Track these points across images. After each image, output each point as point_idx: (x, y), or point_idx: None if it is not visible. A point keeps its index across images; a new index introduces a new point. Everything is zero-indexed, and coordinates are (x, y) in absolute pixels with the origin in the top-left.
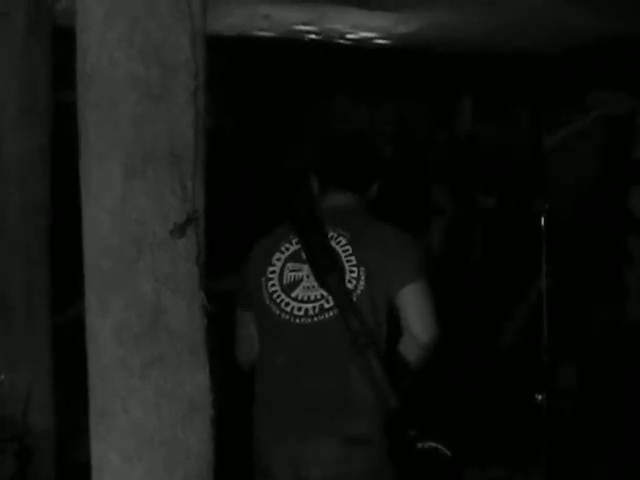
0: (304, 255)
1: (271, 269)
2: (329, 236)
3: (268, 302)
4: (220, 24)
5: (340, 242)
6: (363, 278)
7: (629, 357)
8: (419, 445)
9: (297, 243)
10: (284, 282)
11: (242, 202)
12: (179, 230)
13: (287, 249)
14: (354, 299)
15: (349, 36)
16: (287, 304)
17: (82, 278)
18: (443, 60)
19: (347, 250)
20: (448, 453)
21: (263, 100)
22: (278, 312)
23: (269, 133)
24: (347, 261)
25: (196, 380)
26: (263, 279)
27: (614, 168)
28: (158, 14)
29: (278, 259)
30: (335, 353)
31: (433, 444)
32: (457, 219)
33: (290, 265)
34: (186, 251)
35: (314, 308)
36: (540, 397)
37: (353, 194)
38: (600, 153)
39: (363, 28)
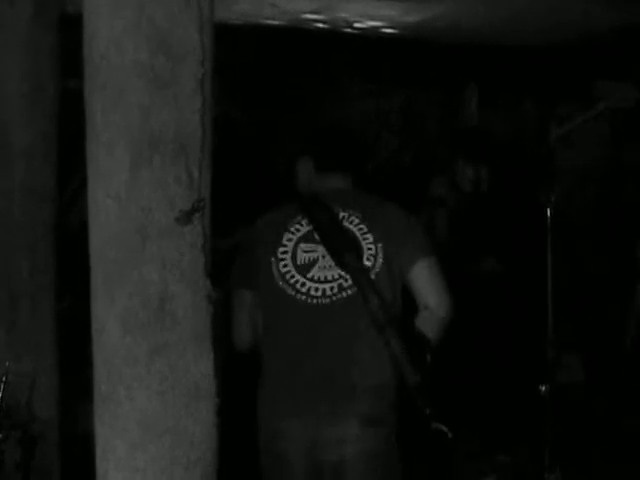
0: (317, 236)
1: (282, 249)
2: (341, 216)
3: (281, 283)
4: (227, 12)
5: (353, 222)
6: (381, 255)
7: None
8: (432, 425)
9: (308, 224)
10: (298, 263)
11: (249, 190)
12: (185, 218)
13: (298, 230)
14: (373, 277)
15: (357, 25)
16: (303, 284)
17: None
18: (450, 50)
19: (362, 229)
20: (450, 435)
21: (270, 88)
22: (293, 293)
23: (276, 122)
24: (364, 239)
25: (201, 368)
26: (273, 259)
27: (620, 160)
28: (165, 2)
29: (289, 239)
30: (354, 332)
31: (443, 426)
32: (460, 209)
33: (303, 246)
34: (192, 239)
35: (332, 288)
36: (544, 389)
37: (349, 175)
38: (607, 145)
39: (371, 17)
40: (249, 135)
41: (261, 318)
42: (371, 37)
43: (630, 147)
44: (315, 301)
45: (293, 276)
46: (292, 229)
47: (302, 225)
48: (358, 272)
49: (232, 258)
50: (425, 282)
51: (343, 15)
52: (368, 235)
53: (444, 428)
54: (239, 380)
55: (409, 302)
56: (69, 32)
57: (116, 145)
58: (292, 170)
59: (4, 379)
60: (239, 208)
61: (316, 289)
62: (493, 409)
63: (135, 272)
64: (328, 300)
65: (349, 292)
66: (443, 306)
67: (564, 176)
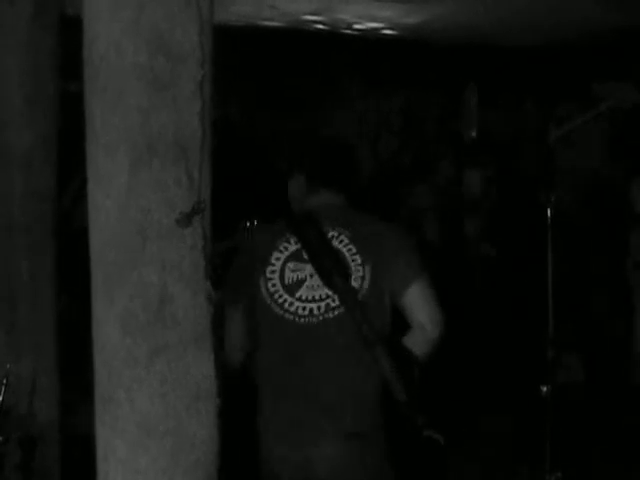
0: (305, 255)
1: (271, 269)
2: (330, 235)
3: (269, 302)
4: (227, 14)
5: (342, 241)
6: (368, 277)
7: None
8: (424, 433)
9: (296, 242)
10: (286, 282)
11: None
12: (185, 220)
13: (286, 248)
14: (360, 298)
15: (356, 26)
16: (291, 304)
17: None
18: (450, 51)
19: (351, 249)
20: (442, 441)
21: (269, 90)
22: (281, 312)
23: (274, 123)
24: (352, 260)
25: (201, 369)
26: (262, 278)
27: (620, 160)
28: (165, 3)
29: (277, 259)
30: (341, 351)
31: (433, 433)
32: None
33: (291, 265)
34: (192, 241)
35: (319, 308)
36: (545, 389)
37: (340, 191)
38: (606, 145)
39: (370, 19)
40: (249, 137)
41: (251, 334)
42: (371, 38)
43: (630, 147)
44: (303, 320)
45: (281, 295)
46: (281, 247)
47: (290, 244)
48: (345, 293)
49: (229, 260)
50: (419, 304)
51: (343, 17)
52: (357, 256)
53: (436, 435)
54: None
55: (397, 319)
56: (69, 34)
57: (116, 147)
58: (284, 187)
59: (4, 380)
60: (238, 210)
61: (304, 308)
62: (493, 409)
63: (135, 273)
64: (315, 319)
65: (336, 312)
66: (437, 327)
67: (564, 176)
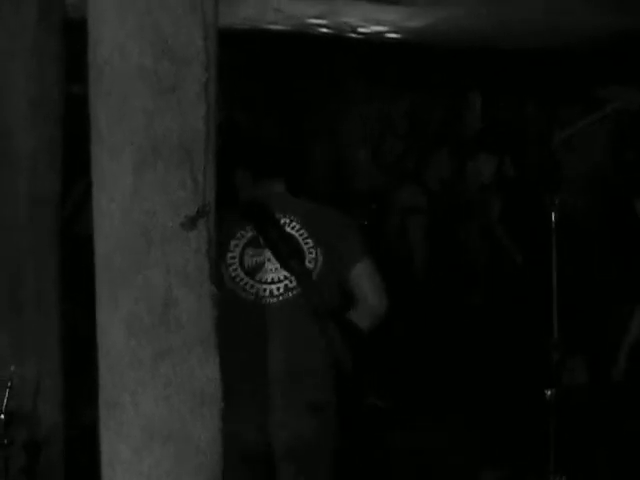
0: (262, 241)
1: (231, 255)
2: (282, 222)
3: (231, 286)
4: (231, 17)
5: (295, 227)
6: (321, 259)
7: None
8: (368, 400)
9: (252, 230)
10: (246, 266)
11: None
12: (190, 223)
13: (242, 236)
14: (315, 278)
15: (361, 30)
16: (252, 286)
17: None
18: (454, 55)
19: (303, 234)
20: (383, 406)
21: (274, 93)
22: (244, 294)
23: (280, 126)
24: (305, 244)
25: (206, 372)
26: (223, 265)
27: (626, 163)
28: (169, 7)
29: (236, 245)
30: (300, 327)
31: (374, 399)
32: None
33: (250, 251)
34: (197, 244)
35: (278, 288)
36: (549, 393)
37: (284, 182)
38: (611, 148)
39: (375, 22)
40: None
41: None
42: (375, 42)
43: (634, 150)
44: (264, 301)
45: (242, 279)
46: (238, 235)
47: (246, 231)
48: (302, 274)
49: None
50: (364, 282)
51: (347, 20)
52: (308, 240)
53: (378, 401)
54: None
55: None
56: (73, 37)
57: (120, 150)
58: (231, 181)
59: (9, 383)
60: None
61: (264, 290)
62: (497, 412)
63: (140, 277)
64: (275, 299)
65: (294, 292)
66: (382, 304)
67: (568, 179)
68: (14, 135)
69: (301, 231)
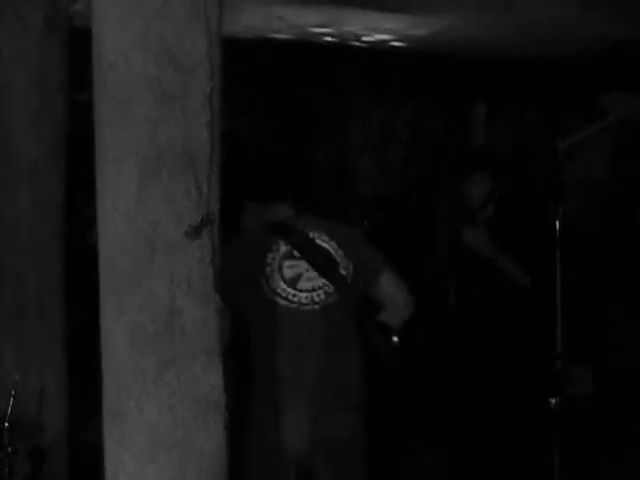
0: (296, 253)
1: (269, 269)
2: (311, 236)
3: (273, 297)
4: (235, 26)
5: (324, 240)
6: (351, 268)
7: None
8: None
9: (285, 244)
10: (285, 277)
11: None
12: (194, 232)
13: (278, 249)
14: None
15: (364, 38)
16: (294, 295)
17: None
18: (457, 64)
19: (333, 245)
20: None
21: (277, 102)
22: (286, 303)
23: (284, 135)
24: (336, 254)
25: (210, 381)
26: (263, 278)
27: (629, 172)
28: (173, 15)
29: (273, 258)
30: (340, 330)
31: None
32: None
33: (287, 262)
34: (201, 253)
35: (319, 295)
36: (554, 402)
37: (286, 205)
38: (615, 157)
39: (379, 30)
40: (257, 149)
41: (251, 331)
42: (379, 50)
43: (637, 159)
44: (305, 308)
45: (284, 290)
46: (273, 249)
47: (280, 245)
48: (338, 281)
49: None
50: (392, 289)
51: (351, 29)
52: (340, 250)
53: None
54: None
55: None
56: (78, 45)
57: (124, 159)
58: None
59: (12, 391)
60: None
61: (306, 297)
62: (501, 422)
63: (144, 286)
64: (317, 306)
65: (333, 298)
66: (410, 305)
67: (572, 189)
68: (17, 140)
69: (331, 242)
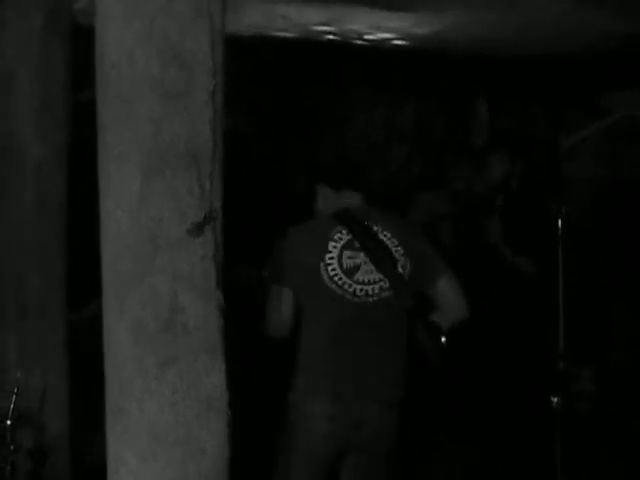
0: (357, 244)
1: (329, 255)
2: (374, 229)
3: (330, 284)
4: (238, 24)
5: (386, 235)
6: (409, 266)
7: None
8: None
9: (347, 234)
10: (344, 267)
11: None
12: (196, 229)
13: (340, 238)
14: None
15: (367, 37)
16: (350, 285)
17: (99, 277)
18: (460, 62)
19: (393, 242)
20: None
21: (281, 100)
22: (342, 293)
23: (286, 133)
24: (395, 251)
25: (212, 379)
26: (322, 264)
27: (632, 170)
28: (177, 14)
29: (334, 247)
30: (391, 326)
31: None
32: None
33: (347, 252)
34: (203, 250)
35: (374, 289)
36: (556, 400)
37: (358, 194)
38: (618, 155)
39: (382, 29)
40: (259, 147)
41: (303, 315)
42: (381, 49)
43: None
44: (360, 300)
45: (341, 278)
46: (335, 237)
47: (343, 234)
48: (394, 277)
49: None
50: (449, 294)
51: (353, 27)
52: (398, 248)
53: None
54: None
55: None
56: (81, 43)
57: (127, 156)
58: (311, 193)
59: (15, 390)
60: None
61: (361, 290)
62: (503, 420)
63: (146, 283)
64: (371, 299)
65: (387, 293)
66: (465, 310)
67: (575, 187)
68: (21, 140)
69: (392, 239)
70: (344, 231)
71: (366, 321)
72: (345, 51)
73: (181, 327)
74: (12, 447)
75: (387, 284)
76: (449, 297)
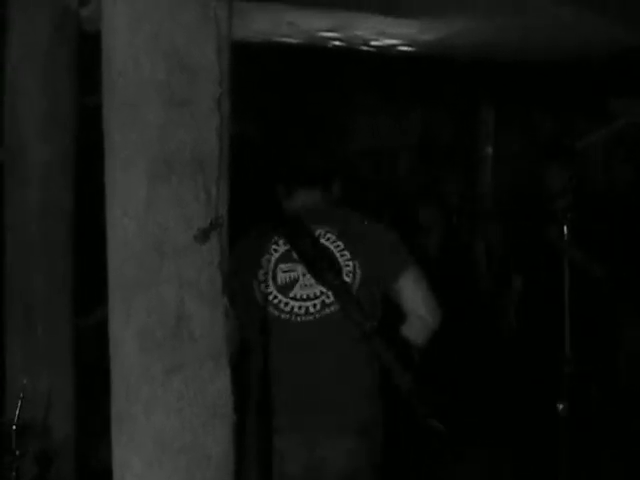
0: (295, 255)
1: (262, 271)
2: (317, 233)
3: (263, 304)
4: (245, 30)
5: (330, 239)
6: (359, 271)
7: None
8: (427, 422)
9: (285, 244)
10: (279, 283)
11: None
12: (202, 236)
13: (276, 250)
14: (354, 292)
15: (373, 43)
16: (286, 304)
17: (105, 283)
18: (467, 68)
19: (339, 246)
20: (444, 430)
21: (286, 106)
22: (277, 313)
23: (293, 139)
24: (341, 256)
25: (218, 385)
26: (255, 282)
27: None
28: (183, 20)
29: (268, 260)
30: (340, 346)
31: (435, 421)
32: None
33: (282, 266)
34: (209, 257)
35: (314, 305)
36: (562, 406)
37: (319, 191)
38: (626, 161)
39: (387, 35)
40: (266, 153)
41: (246, 339)
42: (387, 55)
43: None
44: (299, 319)
45: (275, 297)
46: (270, 250)
47: (279, 245)
48: (339, 288)
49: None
50: (413, 292)
51: (359, 33)
52: (345, 252)
53: (438, 424)
54: None
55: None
56: (88, 49)
57: (134, 163)
58: (272, 195)
59: (21, 395)
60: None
61: (299, 307)
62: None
63: (152, 290)
64: (312, 317)
65: (332, 308)
66: (433, 314)
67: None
68: (27, 147)
69: (337, 242)
70: (281, 241)
71: (313, 342)
72: (351, 57)
73: (187, 334)
74: (17, 452)
75: (331, 298)
76: (412, 300)
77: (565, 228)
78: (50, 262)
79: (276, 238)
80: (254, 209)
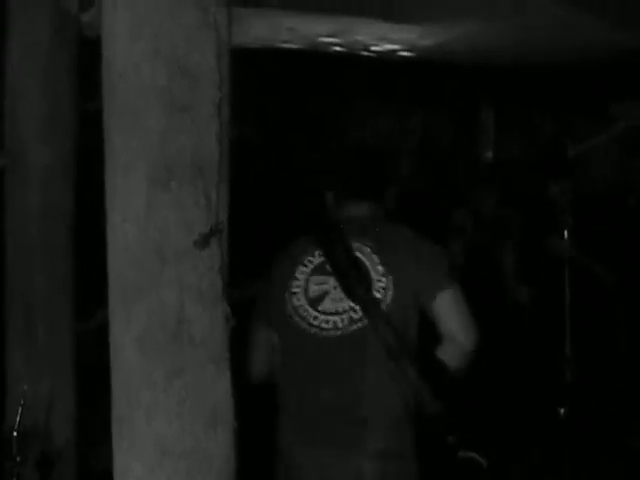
0: (329, 267)
1: (296, 283)
2: (354, 247)
3: (294, 317)
4: (245, 36)
5: (365, 252)
6: (392, 287)
7: None
8: (460, 453)
9: (320, 256)
10: (310, 296)
11: (265, 212)
12: (203, 241)
13: (310, 262)
14: (384, 308)
15: (373, 48)
16: (315, 318)
17: (106, 287)
18: (467, 72)
19: (374, 260)
20: (485, 463)
21: (288, 112)
22: (306, 326)
23: (293, 144)
24: (375, 271)
25: (218, 390)
26: (287, 295)
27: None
28: (183, 25)
29: (302, 273)
30: (364, 364)
31: (472, 453)
32: (477, 238)
33: (315, 278)
34: (210, 262)
35: (342, 320)
36: (563, 411)
37: (369, 203)
38: (626, 165)
39: (388, 40)
40: (266, 158)
41: (278, 352)
42: (387, 60)
43: None
44: (325, 334)
45: (305, 310)
46: (305, 262)
47: (315, 257)
48: (368, 304)
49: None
50: (450, 313)
51: (360, 38)
52: (380, 267)
53: (475, 456)
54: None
55: (427, 331)
56: (89, 55)
57: (134, 168)
58: (321, 202)
59: (22, 401)
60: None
61: (327, 321)
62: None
63: (153, 295)
64: (339, 332)
65: (359, 324)
66: (470, 338)
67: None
68: (28, 150)
69: (372, 257)
70: (317, 253)
71: (337, 358)
72: (351, 62)
73: (188, 338)
74: (18, 458)
75: (359, 313)
76: (448, 321)
77: (565, 232)
78: (50, 265)
79: (313, 249)
80: (300, 219)
